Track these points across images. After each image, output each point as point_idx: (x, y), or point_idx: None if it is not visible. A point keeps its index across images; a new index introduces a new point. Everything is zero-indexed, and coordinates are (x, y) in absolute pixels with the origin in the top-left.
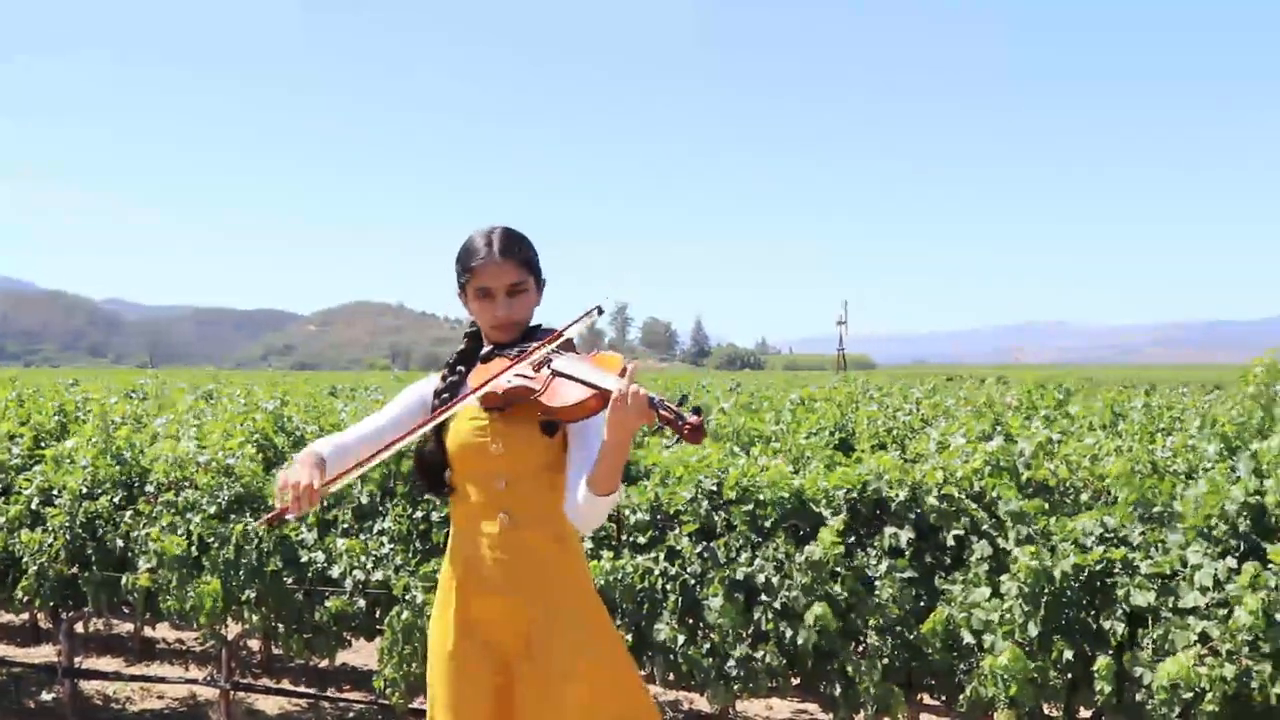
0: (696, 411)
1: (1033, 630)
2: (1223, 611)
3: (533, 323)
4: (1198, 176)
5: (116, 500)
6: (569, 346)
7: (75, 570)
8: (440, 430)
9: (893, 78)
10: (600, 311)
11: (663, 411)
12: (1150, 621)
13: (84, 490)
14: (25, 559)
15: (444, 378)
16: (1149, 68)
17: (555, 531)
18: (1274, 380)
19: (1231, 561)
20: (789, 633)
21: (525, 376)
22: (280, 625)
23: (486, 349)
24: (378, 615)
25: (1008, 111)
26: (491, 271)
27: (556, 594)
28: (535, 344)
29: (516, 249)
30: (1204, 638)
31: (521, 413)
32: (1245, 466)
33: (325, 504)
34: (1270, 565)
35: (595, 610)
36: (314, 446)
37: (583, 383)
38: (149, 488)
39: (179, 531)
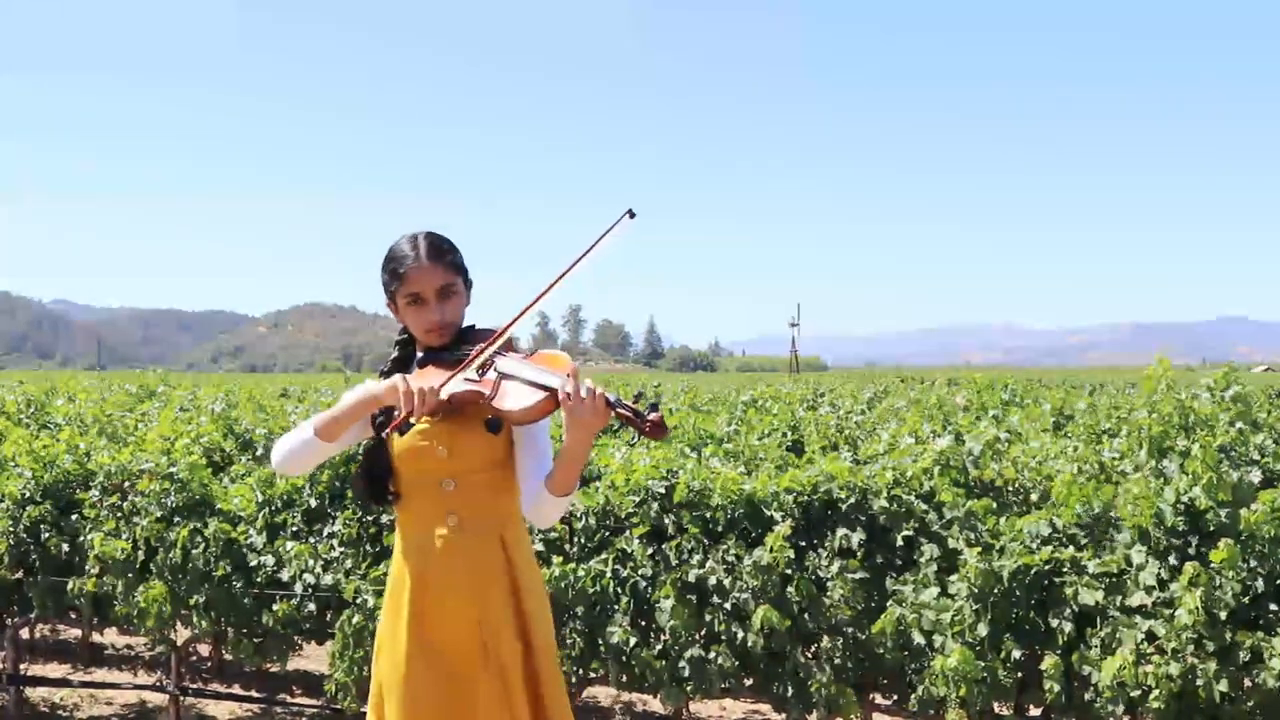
0: (654, 407)
1: (982, 630)
2: (1169, 611)
3: (464, 324)
4: (1150, 180)
5: (61, 505)
6: (509, 346)
7: (20, 575)
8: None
9: (841, 81)
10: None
11: (621, 410)
12: (1099, 621)
13: (25, 495)
14: None
15: None
16: (1120, 68)
17: (503, 535)
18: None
19: (1174, 560)
20: (740, 634)
21: (471, 381)
22: (230, 630)
23: (420, 355)
24: (328, 619)
25: (955, 115)
26: (421, 276)
27: (510, 599)
28: (475, 348)
29: (443, 252)
30: (1150, 636)
31: (467, 414)
32: (1174, 468)
33: (275, 506)
34: (1211, 565)
35: (548, 619)
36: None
37: (532, 384)
38: (93, 492)
39: (124, 536)
